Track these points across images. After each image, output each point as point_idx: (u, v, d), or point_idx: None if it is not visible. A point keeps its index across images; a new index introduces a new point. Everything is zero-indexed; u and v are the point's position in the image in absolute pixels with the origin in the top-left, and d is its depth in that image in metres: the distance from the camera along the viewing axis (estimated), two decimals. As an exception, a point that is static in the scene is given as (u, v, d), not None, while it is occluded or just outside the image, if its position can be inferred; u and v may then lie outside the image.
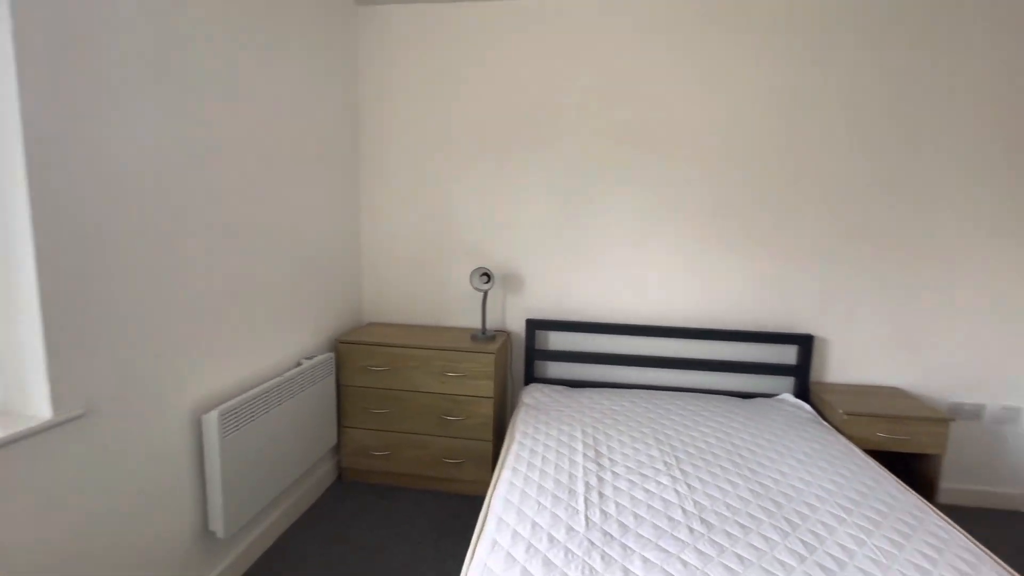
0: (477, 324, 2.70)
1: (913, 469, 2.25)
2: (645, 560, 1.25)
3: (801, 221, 2.42)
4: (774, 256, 2.45)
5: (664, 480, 1.64)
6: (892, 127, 2.30)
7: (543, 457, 1.79)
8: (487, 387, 2.33)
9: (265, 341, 1.99)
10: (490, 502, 1.54)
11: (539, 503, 1.50)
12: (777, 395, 2.45)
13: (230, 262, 1.77)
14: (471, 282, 2.48)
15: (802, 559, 1.26)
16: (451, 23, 2.54)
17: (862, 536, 1.35)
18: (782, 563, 1.25)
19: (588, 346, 2.63)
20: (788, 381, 2.49)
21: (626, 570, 1.21)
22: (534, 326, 2.60)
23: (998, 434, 2.40)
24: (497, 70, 2.54)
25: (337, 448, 2.52)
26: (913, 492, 1.61)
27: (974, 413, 2.39)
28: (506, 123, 2.56)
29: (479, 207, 2.65)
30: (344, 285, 2.60)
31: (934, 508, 1.52)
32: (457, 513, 2.29)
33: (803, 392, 2.42)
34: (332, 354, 2.35)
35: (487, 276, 2.46)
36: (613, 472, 1.69)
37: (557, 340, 2.67)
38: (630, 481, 1.63)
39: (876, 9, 2.25)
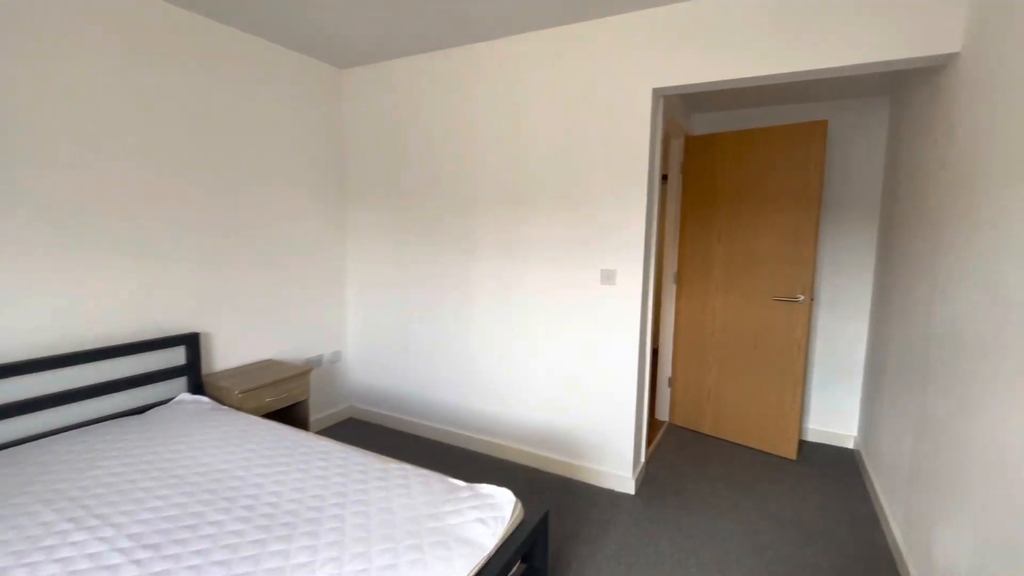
0: None
1: (293, 416, 2.94)
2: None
3: (179, 226, 2.52)
4: (150, 262, 2.43)
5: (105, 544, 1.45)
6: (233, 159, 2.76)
7: None
8: None
9: None
10: None
11: None
12: (174, 398, 2.50)
13: None
14: None
15: (265, 525, 1.54)
16: None
17: (282, 477, 1.78)
18: (246, 537, 1.48)
19: None
20: (182, 381, 2.58)
21: None
22: None
23: (333, 370, 3.51)
24: None
25: None
26: (297, 430, 2.19)
27: (319, 361, 3.37)
28: None
29: None
30: None
31: (314, 434, 2.17)
32: None
33: (199, 387, 2.60)
34: None
35: None
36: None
37: None
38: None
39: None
